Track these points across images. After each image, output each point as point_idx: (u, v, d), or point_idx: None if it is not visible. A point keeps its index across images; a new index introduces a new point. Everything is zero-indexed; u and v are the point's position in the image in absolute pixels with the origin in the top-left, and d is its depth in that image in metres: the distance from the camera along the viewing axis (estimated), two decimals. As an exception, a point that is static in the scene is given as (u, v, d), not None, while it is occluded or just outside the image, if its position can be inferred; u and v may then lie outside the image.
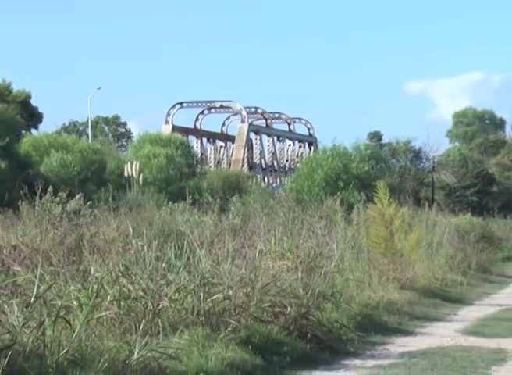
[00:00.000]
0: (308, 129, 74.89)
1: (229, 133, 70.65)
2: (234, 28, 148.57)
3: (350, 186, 44.09)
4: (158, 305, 14.32)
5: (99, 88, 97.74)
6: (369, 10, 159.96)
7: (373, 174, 45.84)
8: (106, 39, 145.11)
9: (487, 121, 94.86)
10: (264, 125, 71.89)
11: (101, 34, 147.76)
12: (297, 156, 68.20)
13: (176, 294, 14.84)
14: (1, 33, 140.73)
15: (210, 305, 14.90)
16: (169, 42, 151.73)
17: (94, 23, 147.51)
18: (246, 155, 66.86)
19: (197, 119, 69.54)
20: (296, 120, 75.49)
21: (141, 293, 14.42)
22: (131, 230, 18.02)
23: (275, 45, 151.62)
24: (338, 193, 35.29)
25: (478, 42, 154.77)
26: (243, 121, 68.38)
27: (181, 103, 68.25)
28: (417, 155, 72.21)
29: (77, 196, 20.52)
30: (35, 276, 12.82)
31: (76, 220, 18.59)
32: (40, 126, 66.76)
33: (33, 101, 67.73)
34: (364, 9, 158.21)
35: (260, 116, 71.12)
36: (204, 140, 68.56)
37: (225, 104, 70.26)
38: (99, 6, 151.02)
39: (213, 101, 70.56)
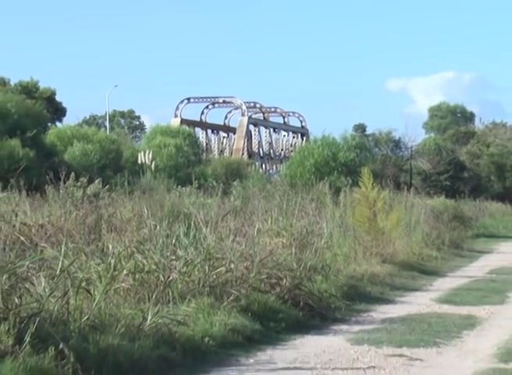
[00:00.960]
0: (301, 121, 74.77)
1: (231, 125, 70.48)
2: (236, 32, 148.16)
3: (338, 172, 43.94)
4: (169, 277, 14.33)
5: (116, 86, 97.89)
6: (356, 16, 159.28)
7: (358, 161, 45.75)
8: (123, 41, 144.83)
9: (458, 115, 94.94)
10: (262, 118, 71.78)
11: (118, 37, 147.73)
12: (291, 146, 67.99)
13: (184, 267, 14.83)
14: (30, 36, 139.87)
15: (214, 277, 14.90)
16: (178, 44, 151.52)
17: (113, 26, 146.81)
18: (246, 144, 66.72)
19: (202, 113, 69.43)
20: (291, 114, 75.34)
21: (153, 266, 14.42)
22: (145, 211, 18.01)
23: (271, 46, 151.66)
24: (327, 178, 35.18)
25: (450, 44, 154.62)
26: (243, 115, 68.28)
27: (188, 99, 68.05)
28: (397, 144, 72.11)
29: (96, 181, 20.48)
30: (60, 252, 12.81)
31: (95, 202, 18.54)
32: (64, 119, 66.70)
33: (58, 97, 67.74)
34: (351, 15, 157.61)
35: (258, 110, 70.98)
36: (209, 131, 68.38)
37: (227, 99, 70.12)
38: (117, 13, 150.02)
39: (217, 97, 70.48)
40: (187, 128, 60.22)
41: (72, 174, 19.55)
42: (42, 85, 65.64)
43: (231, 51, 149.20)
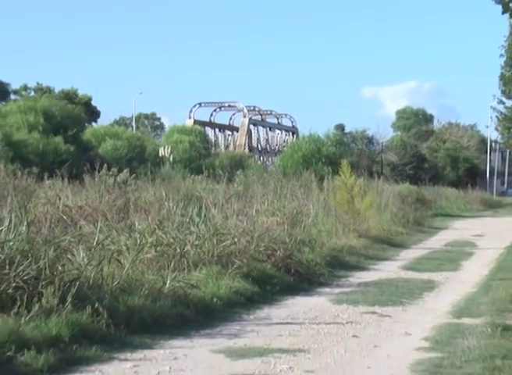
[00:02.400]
0: (292, 122, 74.58)
1: (235, 125, 70.31)
2: (239, 48, 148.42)
3: (322, 163, 43.80)
4: (184, 249, 14.32)
5: (141, 93, 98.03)
6: (337, 36, 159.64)
7: (338, 154, 45.56)
8: (147, 55, 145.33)
9: (420, 116, 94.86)
10: (260, 119, 71.71)
11: (144, 52, 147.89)
12: (284, 142, 67.83)
13: (196, 241, 14.82)
14: (70, 50, 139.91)
15: (221, 249, 14.88)
16: (191, 58, 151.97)
17: (139, 42, 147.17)
18: (246, 141, 66.69)
19: (211, 115, 69.33)
20: (283, 115, 75.20)
21: (171, 240, 14.42)
22: (164, 195, 18.00)
23: (268, 60, 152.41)
24: (312, 168, 35.03)
25: (413, 58, 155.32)
26: (244, 116, 68.25)
27: (200, 103, 67.97)
28: (370, 140, 72.06)
29: (125, 171, 20.44)
30: (95, 229, 12.82)
31: (124, 188, 18.53)
32: (98, 120, 66.58)
33: (94, 102, 67.72)
34: (333, 35, 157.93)
35: (257, 112, 70.86)
36: (217, 130, 68.31)
37: (231, 104, 70.03)
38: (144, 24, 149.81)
39: (223, 102, 70.37)
40: (199, 127, 60.21)
41: (105, 165, 19.54)
42: (81, 92, 65.80)
43: (235, 63, 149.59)
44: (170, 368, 8.86)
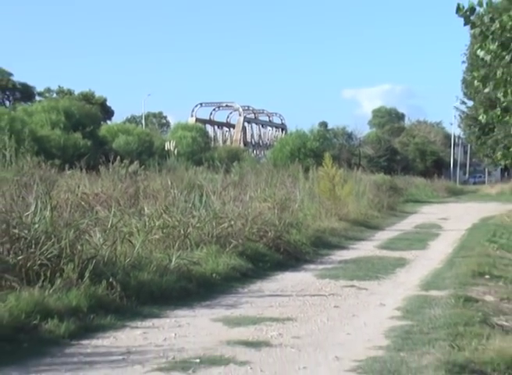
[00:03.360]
0: (281, 120, 74.45)
1: (231, 122, 70.29)
2: (234, 54, 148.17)
3: (307, 156, 43.84)
4: (187, 230, 14.33)
5: (149, 95, 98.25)
6: (320, 42, 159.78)
7: (321, 148, 45.54)
8: (155, 60, 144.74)
9: (393, 115, 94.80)
10: (253, 117, 71.68)
11: (152, 57, 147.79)
12: (274, 137, 67.69)
13: (198, 223, 14.82)
14: (88, 56, 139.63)
15: (219, 230, 14.88)
16: (193, 63, 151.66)
17: (146, 48, 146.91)
18: (241, 136, 66.64)
19: (211, 114, 69.24)
20: (274, 114, 75.05)
21: (176, 223, 14.42)
22: (170, 184, 17.98)
23: (260, 64, 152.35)
24: (299, 160, 35.05)
25: (386, 65, 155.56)
26: (240, 115, 68.21)
27: (201, 103, 67.84)
28: (349, 136, 71.98)
29: (135, 162, 20.41)
30: (110, 213, 12.81)
31: (134, 178, 18.49)
32: (113, 118, 66.46)
33: (108, 103, 67.75)
34: (317, 42, 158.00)
35: (251, 111, 70.83)
36: (215, 127, 68.21)
37: (228, 104, 69.95)
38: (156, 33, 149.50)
39: (221, 102, 70.28)
40: (200, 125, 60.10)
41: (118, 158, 19.50)
42: (97, 94, 65.79)
43: (232, 68, 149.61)
44: (175, 334, 8.87)
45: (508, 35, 17.61)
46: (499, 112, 19.06)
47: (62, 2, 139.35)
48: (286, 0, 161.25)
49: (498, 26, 17.80)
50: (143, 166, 20.91)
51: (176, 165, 26.39)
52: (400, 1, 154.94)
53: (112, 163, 18.86)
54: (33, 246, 10.12)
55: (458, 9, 17.71)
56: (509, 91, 18.58)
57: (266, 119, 74.48)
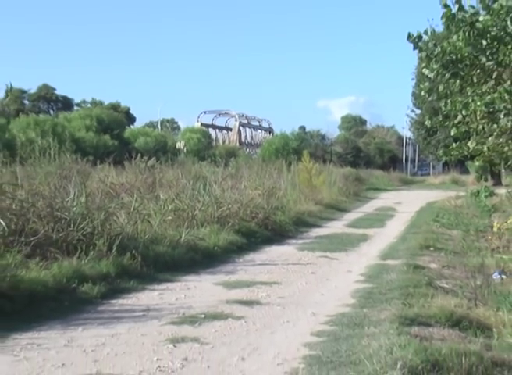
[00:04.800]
0: (269, 124, 73.81)
1: (229, 126, 69.91)
2: (232, 68, 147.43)
3: (289, 153, 43.72)
4: (194, 212, 14.33)
5: (163, 104, 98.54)
6: (303, 58, 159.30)
7: (301, 147, 45.49)
8: (169, 75, 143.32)
9: (357, 121, 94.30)
10: (247, 122, 71.33)
11: (167, 72, 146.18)
12: (263, 138, 67.27)
13: (203, 207, 14.82)
14: (115, 72, 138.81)
15: (220, 212, 14.87)
16: (199, 76, 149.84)
17: (162, 63, 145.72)
18: (237, 138, 66.43)
19: (213, 119, 68.63)
20: (263, 120, 74.55)
21: (185, 207, 14.43)
22: (180, 175, 17.97)
23: (254, 75, 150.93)
24: (283, 157, 34.99)
25: (352, 80, 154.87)
26: (236, 120, 67.89)
27: (205, 111, 67.35)
28: (323, 137, 71.98)
29: (152, 159, 20.36)
30: (132, 199, 12.78)
31: (152, 170, 18.45)
32: (135, 123, 66.17)
33: (131, 111, 67.51)
34: (298, 58, 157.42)
35: (244, 117, 70.37)
36: (217, 130, 67.73)
37: (227, 112, 69.56)
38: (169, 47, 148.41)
39: (221, 110, 69.85)
40: (204, 128, 59.92)
41: (139, 155, 19.50)
42: (122, 104, 65.52)
43: (231, 81, 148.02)
44: (185, 295, 8.87)
45: (447, 58, 17.60)
46: (440, 119, 19.10)
47: (87, 26, 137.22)
48: (275, 22, 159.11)
49: (439, 50, 17.86)
50: (158, 161, 20.85)
51: (185, 160, 26.41)
52: (363, 29, 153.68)
53: (134, 159, 18.84)
54: (72, 225, 10.12)
55: (409, 37, 17.79)
56: (448, 101, 18.61)
57: (257, 123, 74.03)
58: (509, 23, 16.89)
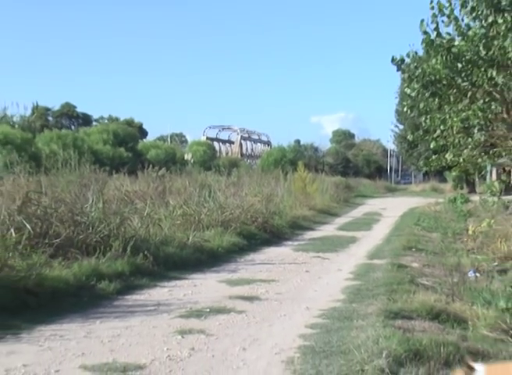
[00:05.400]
0: (267, 138, 73.60)
1: (232, 140, 69.92)
2: (236, 87, 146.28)
3: (286, 163, 43.71)
4: (200, 217, 14.32)
5: (172, 122, 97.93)
6: (298, 78, 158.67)
7: (296, 158, 45.48)
8: (177, 95, 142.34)
9: (347, 134, 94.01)
10: (247, 136, 71.33)
11: (177, 92, 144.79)
12: (262, 150, 67.32)
13: (208, 212, 14.81)
14: (130, 91, 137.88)
15: (223, 217, 14.85)
16: (204, 93, 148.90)
17: (174, 83, 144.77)
18: (239, 150, 66.49)
19: (217, 133, 68.62)
20: (262, 134, 74.58)
21: (192, 212, 14.40)
22: (187, 184, 17.96)
23: (255, 93, 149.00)
24: (280, 167, 34.98)
25: (342, 98, 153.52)
26: (237, 134, 67.93)
27: (210, 126, 67.26)
28: (316, 149, 71.79)
29: (163, 169, 20.27)
30: (145, 205, 12.78)
31: (162, 179, 18.41)
32: (147, 137, 66.10)
33: (144, 126, 67.55)
34: (295, 78, 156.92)
35: (245, 132, 70.42)
36: (220, 143, 67.66)
37: (230, 126, 69.60)
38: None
39: (224, 125, 69.95)
40: (209, 141, 59.92)
41: (150, 165, 19.44)
42: (136, 120, 65.49)
43: (234, 98, 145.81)
44: (192, 291, 8.86)
45: (427, 79, 17.64)
46: (421, 133, 19.14)
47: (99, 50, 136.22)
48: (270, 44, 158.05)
49: (420, 72, 17.89)
50: (168, 171, 20.82)
51: (192, 170, 26.38)
52: (353, 51, 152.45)
53: (146, 169, 18.80)
54: (91, 228, 10.13)
55: (392, 60, 17.84)
56: (428, 118, 18.62)
57: (256, 137, 73.94)
58: (481, 48, 16.97)
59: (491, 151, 18.26)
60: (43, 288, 7.81)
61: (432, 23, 16.75)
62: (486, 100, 17.28)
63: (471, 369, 4.62)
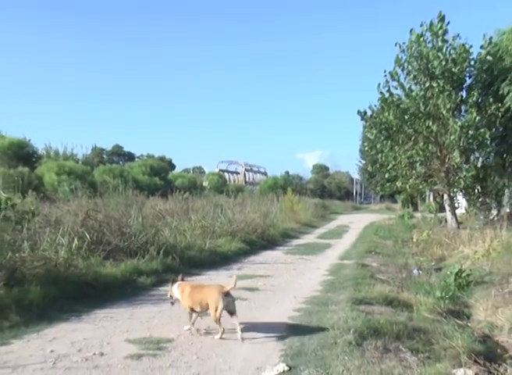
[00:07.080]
0: (265, 170, 73.46)
1: (238, 171, 69.92)
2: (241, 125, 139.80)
3: (278, 189, 43.71)
4: (214, 228, 14.27)
5: (191, 160, 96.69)
6: (284, 116, 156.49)
7: (286, 185, 45.61)
8: (198, 135, 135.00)
9: (323, 167, 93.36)
10: (250, 168, 71.45)
11: (196, 128, 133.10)
12: (261, 179, 67.50)
13: (220, 225, 14.74)
14: (162, 133, 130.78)
15: (231, 229, 14.78)
16: (215, 132, 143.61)
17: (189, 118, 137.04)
18: (243, 179, 66.60)
19: (226, 166, 68.66)
20: (261, 167, 74.58)
21: (208, 225, 14.35)
22: (205, 204, 17.95)
23: (255, 132, 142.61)
24: (274, 191, 34.94)
25: (319, 139, 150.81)
26: (242, 167, 68.03)
27: (221, 161, 67.50)
28: (300, 179, 72.06)
29: (187, 193, 20.32)
30: (173, 220, 12.77)
31: (186, 201, 18.42)
32: (175, 169, 66.15)
33: (173, 161, 67.62)
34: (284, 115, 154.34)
35: (248, 165, 70.49)
36: (230, 174, 67.77)
37: (236, 161, 69.79)
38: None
39: (232, 160, 70.02)
40: (221, 172, 60.01)
41: (177, 191, 19.46)
42: (166, 156, 65.69)
43: (239, 137, 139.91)
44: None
45: (382, 126, 17.85)
46: (378, 166, 19.23)
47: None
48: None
49: (377, 121, 18.09)
50: (191, 195, 20.85)
51: (208, 194, 26.40)
52: (330, 104, 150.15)
53: (174, 193, 18.84)
54: (133, 237, 10.12)
55: (358, 112, 18.07)
56: (383, 155, 18.74)
57: (256, 169, 73.93)
58: (421, 105, 17.27)
59: (429, 180, 18.41)
60: (98, 282, 7.83)
61: (385, 86, 17.07)
62: (425, 143, 17.51)
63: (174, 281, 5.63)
